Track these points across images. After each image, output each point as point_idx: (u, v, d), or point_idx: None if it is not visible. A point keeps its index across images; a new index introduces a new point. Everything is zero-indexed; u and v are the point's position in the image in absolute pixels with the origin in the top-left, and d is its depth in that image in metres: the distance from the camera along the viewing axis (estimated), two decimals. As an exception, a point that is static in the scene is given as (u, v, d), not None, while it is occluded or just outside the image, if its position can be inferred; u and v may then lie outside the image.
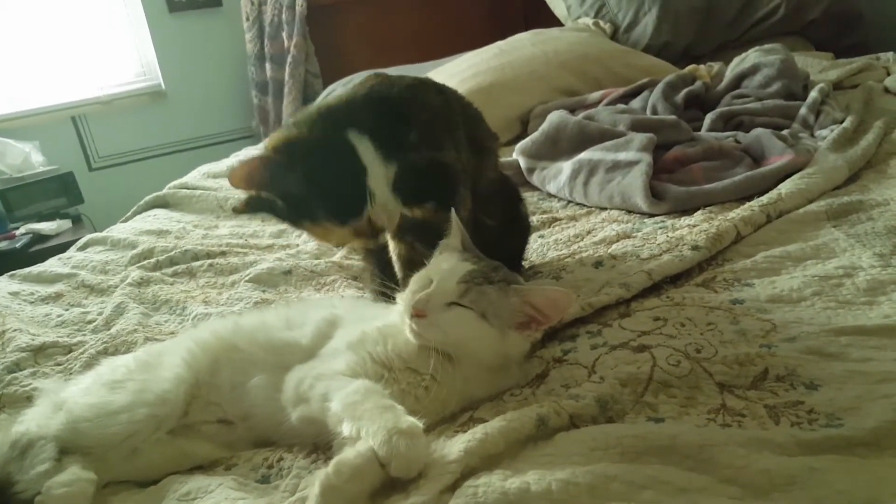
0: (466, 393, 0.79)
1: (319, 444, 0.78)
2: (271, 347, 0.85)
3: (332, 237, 0.86)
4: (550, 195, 1.61)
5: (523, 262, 1.19)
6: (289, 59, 3.21)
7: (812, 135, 1.53)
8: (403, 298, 0.81)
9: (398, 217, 0.91)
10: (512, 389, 0.81)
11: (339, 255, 1.42)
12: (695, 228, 1.18)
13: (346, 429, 0.68)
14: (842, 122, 1.51)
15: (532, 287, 0.81)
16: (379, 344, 0.79)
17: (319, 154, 0.85)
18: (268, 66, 3.28)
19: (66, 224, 2.92)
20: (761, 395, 0.72)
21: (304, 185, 0.83)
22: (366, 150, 0.89)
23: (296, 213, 0.86)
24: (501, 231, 1.11)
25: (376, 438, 0.64)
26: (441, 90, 1.05)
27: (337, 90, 2.85)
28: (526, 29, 2.54)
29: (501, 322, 0.78)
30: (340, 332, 0.85)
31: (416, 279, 0.84)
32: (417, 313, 0.78)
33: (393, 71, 2.80)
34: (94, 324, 1.24)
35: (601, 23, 2.64)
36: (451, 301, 0.78)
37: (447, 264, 0.83)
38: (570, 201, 1.55)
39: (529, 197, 1.58)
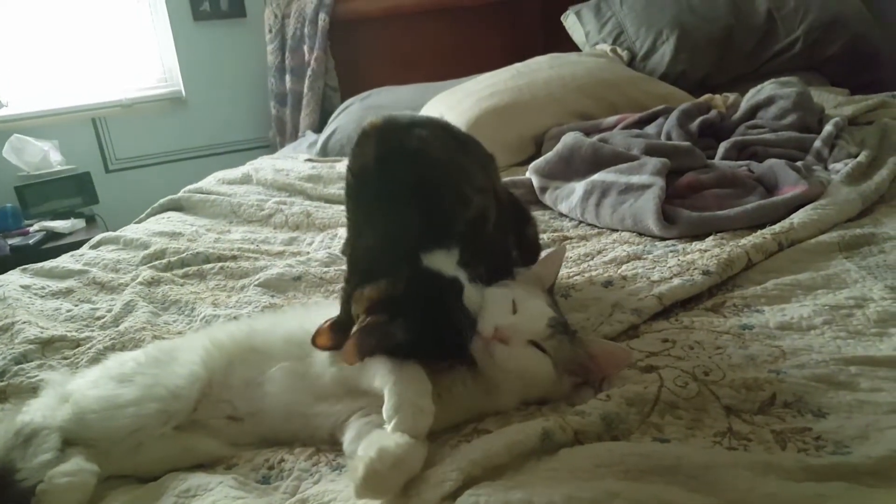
0: (477, 411, 0.79)
1: (321, 446, 0.79)
2: (291, 339, 0.86)
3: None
4: (562, 215, 1.62)
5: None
6: (308, 72, 3.25)
7: (826, 168, 1.53)
8: (480, 314, 0.79)
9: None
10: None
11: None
12: (706, 253, 1.18)
13: (377, 382, 0.73)
14: (856, 156, 1.51)
15: (595, 340, 0.83)
16: None
17: (412, 298, 0.77)
18: (287, 77, 3.32)
19: (79, 223, 2.96)
20: (768, 421, 0.71)
21: (411, 333, 0.76)
22: (447, 265, 0.82)
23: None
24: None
25: (391, 399, 0.69)
26: (442, 128, 0.99)
27: (344, 111, 2.87)
28: (544, 53, 2.56)
29: (562, 370, 0.79)
30: None
31: (495, 298, 0.82)
32: (501, 338, 0.76)
33: (413, 88, 2.82)
34: (103, 320, 1.25)
35: (619, 50, 2.67)
36: (533, 339, 0.78)
37: (535, 301, 0.83)
38: (581, 221, 1.55)
39: (541, 216, 1.58)
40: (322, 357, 0.82)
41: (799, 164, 1.51)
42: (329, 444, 0.80)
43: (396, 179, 0.85)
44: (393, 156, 0.88)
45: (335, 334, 0.78)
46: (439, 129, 0.98)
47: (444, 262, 0.81)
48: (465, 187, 0.90)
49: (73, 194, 3.04)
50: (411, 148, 0.89)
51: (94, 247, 1.72)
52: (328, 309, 0.91)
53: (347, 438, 0.76)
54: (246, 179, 2.25)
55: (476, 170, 0.98)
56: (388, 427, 0.68)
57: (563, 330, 0.80)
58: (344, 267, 1.39)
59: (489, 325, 0.77)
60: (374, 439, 0.68)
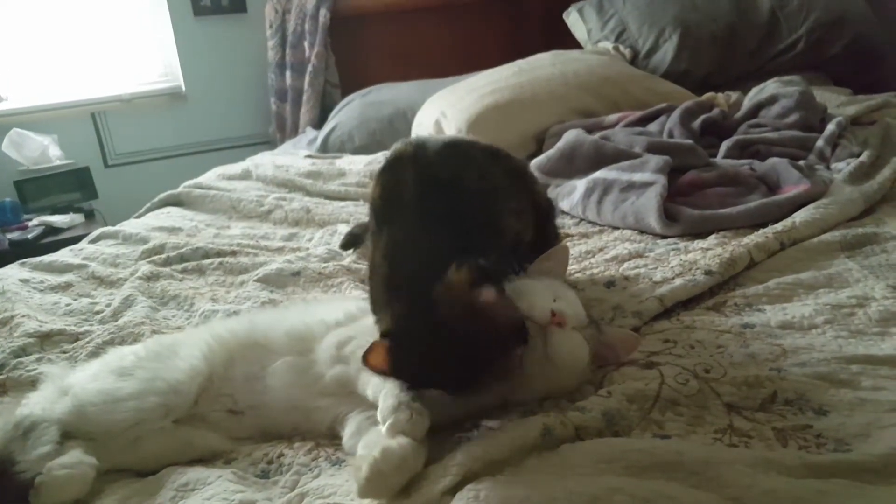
0: (485, 406, 0.78)
1: (321, 440, 0.79)
2: (294, 334, 0.87)
3: None
4: (563, 212, 1.61)
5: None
6: (309, 69, 3.23)
7: (828, 167, 1.53)
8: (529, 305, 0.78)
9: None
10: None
11: (348, 259, 1.42)
12: (708, 252, 1.18)
13: (370, 390, 0.72)
14: (858, 155, 1.51)
15: (606, 328, 0.86)
16: None
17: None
18: (288, 73, 3.31)
19: (78, 218, 2.94)
20: (769, 418, 0.71)
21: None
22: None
23: None
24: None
25: (387, 401, 0.68)
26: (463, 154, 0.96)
27: (346, 104, 2.87)
28: (546, 50, 2.56)
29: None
30: None
31: (535, 287, 0.81)
32: (560, 321, 0.76)
33: (414, 85, 2.82)
34: (102, 314, 1.25)
35: (621, 47, 2.66)
36: (576, 328, 0.79)
37: (570, 290, 0.84)
38: (582, 219, 1.55)
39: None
40: (323, 356, 0.82)
41: (801, 163, 1.50)
42: (328, 438, 0.80)
43: (430, 210, 0.84)
44: (427, 186, 0.86)
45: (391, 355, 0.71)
46: (472, 149, 0.97)
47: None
48: (500, 215, 0.90)
49: (72, 189, 3.03)
50: (446, 179, 0.87)
51: (94, 241, 1.72)
52: (329, 305, 0.92)
53: (347, 433, 0.77)
54: (246, 175, 2.25)
55: (512, 190, 0.97)
56: (383, 429, 0.67)
57: (592, 321, 0.83)
58: (343, 263, 1.40)
59: (545, 310, 0.76)
60: (376, 438, 0.68)
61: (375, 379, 0.73)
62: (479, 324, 0.67)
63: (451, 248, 0.77)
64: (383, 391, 0.70)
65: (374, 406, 0.72)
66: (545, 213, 1.11)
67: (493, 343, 0.68)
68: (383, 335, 0.73)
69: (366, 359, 0.70)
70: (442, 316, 0.68)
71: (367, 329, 0.83)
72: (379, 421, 0.68)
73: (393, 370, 0.69)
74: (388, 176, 0.91)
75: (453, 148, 0.95)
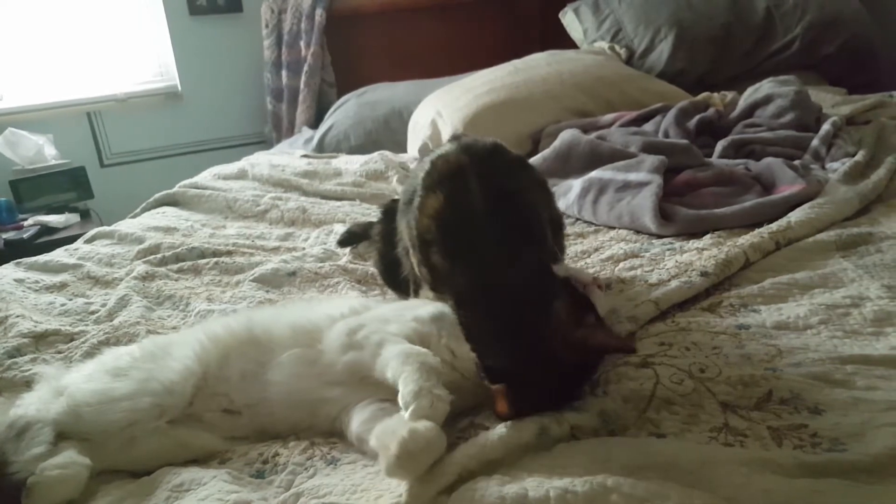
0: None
1: (316, 438, 0.78)
2: (299, 327, 0.87)
3: None
4: (559, 212, 1.61)
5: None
6: (305, 68, 3.23)
7: (823, 167, 1.54)
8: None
9: None
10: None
11: (344, 259, 1.42)
12: (704, 253, 1.18)
13: (389, 373, 0.73)
14: (853, 155, 1.51)
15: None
16: (433, 330, 0.82)
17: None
18: (284, 73, 3.31)
19: (74, 218, 2.93)
20: (764, 417, 0.71)
21: None
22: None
23: None
24: None
25: (408, 386, 0.69)
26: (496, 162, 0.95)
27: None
28: (542, 50, 2.56)
29: None
30: (383, 308, 0.86)
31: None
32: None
33: (410, 84, 2.81)
34: (97, 314, 1.24)
35: (617, 47, 2.66)
36: None
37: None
38: (578, 219, 1.55)
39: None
40: (334, 345, 0.83)
41: (796, 162, 1.51)
42: (327, 435, 0.80)
43: (505, 226, 0.82)
44: (499, 201, 0.84)
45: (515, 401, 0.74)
46: (512, 157, 0.96)
47: None
48: (544, 224, 0.90)
49: (67, 189, 3.02)
50: (512, 191, 0.87)
51: (89, 241, 1.71)
52: (331, 303, 0.92)
53: (358, 421, 0.77)
54: (242, 175, 2.24)
55: (542, 198, 0.98)
56: (406, 414, 0.68)
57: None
58: (339, 263, 1.39)
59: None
60: (395, 423, 0.69)
61: (395, 361, 0.73)
62: (595, 353, 0.77)
63: (535, 268, 0.79)
64: (403, 375, 0.71)
65: (385, 394, 0.73)
66: (558, 225, 1.12)
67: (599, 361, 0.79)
68: (488, 370, 0.76)
69: (496, 410, 0.74)
70: (556, 353, 0.73)
71: (377, 318, 0.85)
72: (400, 405, 0.69)
73: (514, 411, 0.73)
74: (454, 185, 0.87)
75: (502, 157, 0.94)
